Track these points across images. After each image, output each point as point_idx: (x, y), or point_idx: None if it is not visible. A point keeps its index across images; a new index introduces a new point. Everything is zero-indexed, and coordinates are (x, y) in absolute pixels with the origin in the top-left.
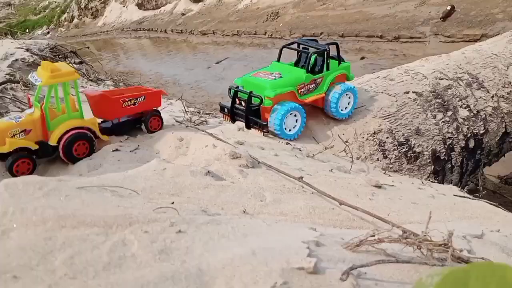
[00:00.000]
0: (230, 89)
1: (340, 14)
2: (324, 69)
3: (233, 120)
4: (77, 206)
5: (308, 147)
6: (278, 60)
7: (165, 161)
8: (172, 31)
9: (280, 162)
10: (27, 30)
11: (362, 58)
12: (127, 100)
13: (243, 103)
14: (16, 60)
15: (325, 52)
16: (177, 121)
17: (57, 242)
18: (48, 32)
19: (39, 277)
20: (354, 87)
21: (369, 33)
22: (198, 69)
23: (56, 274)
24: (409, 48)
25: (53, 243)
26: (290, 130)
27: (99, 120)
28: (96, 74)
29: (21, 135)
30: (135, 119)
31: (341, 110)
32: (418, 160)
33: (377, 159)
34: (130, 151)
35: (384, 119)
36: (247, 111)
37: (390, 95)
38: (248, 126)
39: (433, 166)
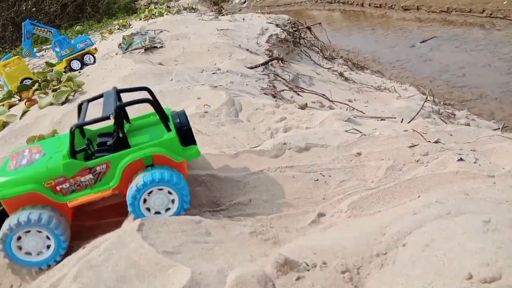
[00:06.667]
0: None
1: None
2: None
3: None
4: None
5: None
6: (78, 121)
7: None
8: (369, 5)
9: None
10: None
11: None
12: None
13: None
14: (271, 35)
15: (115, 120)
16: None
17: None
18: (245, 1)
19: None
20: (176, 180)
21: None
22: (399, 47)
23: None
24: None
25: None
26: (37, 254)
27: None
28: (330, 52)
29: None
30: None
31: (157, 211)
32: None
33: None
34: None
35: None
36: None
37: None
38: None
39: None
